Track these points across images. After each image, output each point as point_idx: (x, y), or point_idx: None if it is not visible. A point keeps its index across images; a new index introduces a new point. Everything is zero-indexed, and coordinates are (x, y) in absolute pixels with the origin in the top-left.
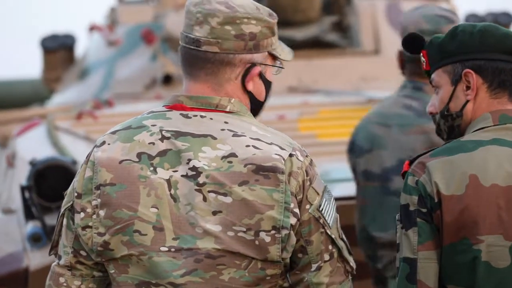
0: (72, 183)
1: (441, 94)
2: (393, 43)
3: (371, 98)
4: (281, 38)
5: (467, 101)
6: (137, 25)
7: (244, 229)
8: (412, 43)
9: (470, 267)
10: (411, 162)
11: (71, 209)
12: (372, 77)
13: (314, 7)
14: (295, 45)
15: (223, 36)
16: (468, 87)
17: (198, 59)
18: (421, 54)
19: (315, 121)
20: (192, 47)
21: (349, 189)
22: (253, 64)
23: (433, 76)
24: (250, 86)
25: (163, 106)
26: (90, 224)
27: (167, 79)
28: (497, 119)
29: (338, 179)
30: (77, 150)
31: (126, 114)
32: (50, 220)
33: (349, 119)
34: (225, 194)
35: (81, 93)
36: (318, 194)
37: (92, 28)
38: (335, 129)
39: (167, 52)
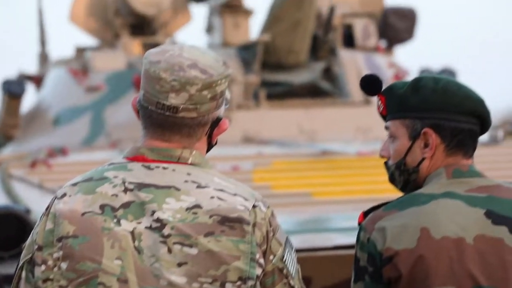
0: (31, 235)
1: (397, 145)
2: None
3: (325, 150)
4: (278, 83)
5: (424, 158)
6: (117, 71)
7: (210, 281)
8: (370, 84)
9: None
10: (365, 214)
11: (31, 262)
12: (364, 128)
13: (305, 50)
14: (292, 92)
15: (201, 101)
16: (426, 145)
17: (174, 124)
18: (378, 98)
19: (269, 172)
20: (168, 113)
21: (306, 241)
22: (219, 119)
23: (389, 124)
24: (215, 140)
25: (123, 157)
26: (51, 277)
27: None
28: (451, 173)
29: (293, 231)
30: (30, 198)
31: (80, 163)
32: (3, 269)
33: (302, 170)
34: (190, 246)
35: (60, 139)
36: (281, 244)
37: (27, 77)
38: (289, 181)
39: None
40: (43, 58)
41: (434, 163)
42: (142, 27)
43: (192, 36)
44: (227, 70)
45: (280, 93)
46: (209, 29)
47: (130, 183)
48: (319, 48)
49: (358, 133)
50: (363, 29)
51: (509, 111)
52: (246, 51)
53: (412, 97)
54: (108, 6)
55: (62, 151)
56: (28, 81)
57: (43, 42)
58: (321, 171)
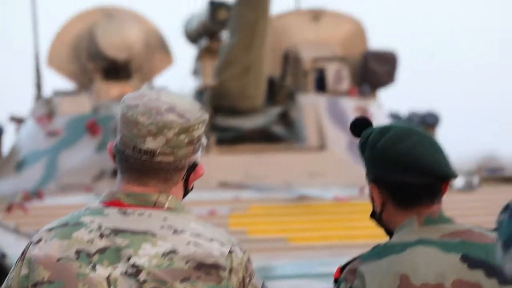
0: (6, 280)
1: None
2: (337, 139)
3: (302, 195)
4: (229, 128)
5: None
6: (78, 115)
7: None
8: (359, 128)
9: None
10: (342, 269)
11: None
12: (318, 173)
13: (260, 95)
14: (244, 137)
15: (178, 145)
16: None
17: (151, 169)
18: None
19: (246, 217)
20: (145, 157)
21: (282, 286)
22: (195, 164)
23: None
24: (191, 185)
25: (100, 202)
26: None
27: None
28: (422, 221)
29: (270, 277)
30: (6, 243)
31: (56, 207)
32: None
33: (279, 215)
34: None
35: (20, 183)
36: None
37: (13, 118)
38: (266, 226)
39: None
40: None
41: (389, 215)
42: (118, 71)
43: (179, 79)
44: (204, 115)
45: (231, 138)
46: (195, 72)
47: (106, 228)
48: (277, 93)
49: (310, 179)
50: (335, 73)
51: (487, 156)
52: (200, 96)
53: (363, 152)
54: (82, 51)
55: (38, 195)
56: (15, 123)
57: (38, 85)
58: (297, 216)
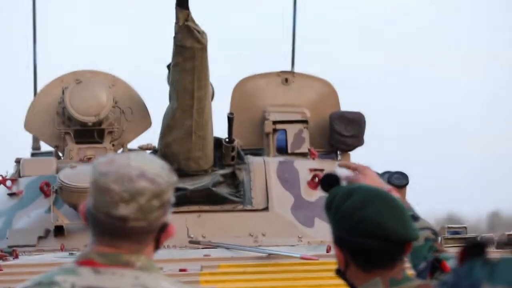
0: None
1: None
2: (282, 200)
3: (271, 253)
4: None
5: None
6: (39, 177)
7: None
8: (328, 184)
9: None
10: None
11: None
12: (261, 233)
13: (207, 157)
14: (187, 199)
15: (150, 210)
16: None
17: (124, 233)
18: None
19: (216, 275)
20: (117, 223)
21: None
22: (165, 224)
23: None
24: (162, 244)
25: (73, 262)
26: None
27: (59, 231)
28: (387, 283)
29: None
30: None
31: (31, 265)
32: None
33: (249, 274)
34: None
35: None
36: None
37: None
38: (236, 284)
39: (60, 205)
40: None
41: (353, 275)
42: (90, 134)
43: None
44: (173, 177)
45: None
46: None
47: (80, 287)
48: (225, 155)
49: (250, 239)
50: (295, 135)
51: (450, 216)
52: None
53: (328, 212)
54: (55, 115)
55: (13, 254)
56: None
57: (37, 148)
58: (266, 274)
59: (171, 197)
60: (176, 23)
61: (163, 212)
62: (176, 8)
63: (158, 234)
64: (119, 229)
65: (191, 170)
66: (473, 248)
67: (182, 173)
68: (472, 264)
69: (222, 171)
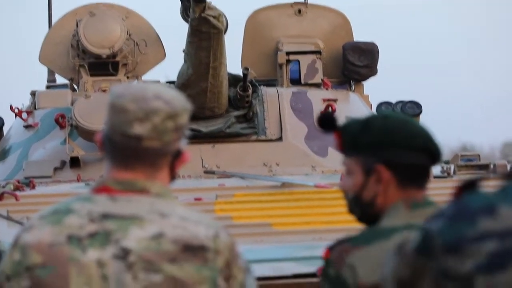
0: (0, 265)
1: (353, 180)
2: (296, 130)
3: (285, 182)
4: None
5: (377, 193)
6: (54, 109)
7: None
8: (326, 122)
9: None
10: (330, 249)
11: None
12: (275, 163)
13: (221, 106)
14: (202, 137)
15: (164, 131)
16: (379, 181)
17: (138, 153)
18: (334, 135)
19: (231, 204)
20: (132, 142)
21: (266, 270)
22: (180, 150)
23: (345, 160)
24: (177, 170)
25: (89, 190)
26: None
27: (74, 162)
28: (409, 206)
29: (254, 260)
30: None
31: (47, 195)
32: None
33: (263, 202)
34: (155, 273)
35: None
36: (242, 271)
37: (12, 109)
38: (250, 212)
39: (75, 136)
40: None
41: (388, 197)
42: (105, 67)
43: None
44: (188, 104)
45: (189, 139)
46: (184, 60)
47: (96, 213)
48: (239, 100)
49: (265, 169)
50: (308, 66)
51: (463, 146)
52: None
53: (363, 136)
54: (69, 48)
55: (30, 184)
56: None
57: (52, 80)
58: (281, 202)
59: (186, 123)
60: (192, 13)
61: (178, 137)
62: (192, 2)
63: (173, 160)
64: (134, 149)
65: (206, 116)
66: (468, 186)
67: (196, 118)
68: (474, 194)
69: (236, 113)
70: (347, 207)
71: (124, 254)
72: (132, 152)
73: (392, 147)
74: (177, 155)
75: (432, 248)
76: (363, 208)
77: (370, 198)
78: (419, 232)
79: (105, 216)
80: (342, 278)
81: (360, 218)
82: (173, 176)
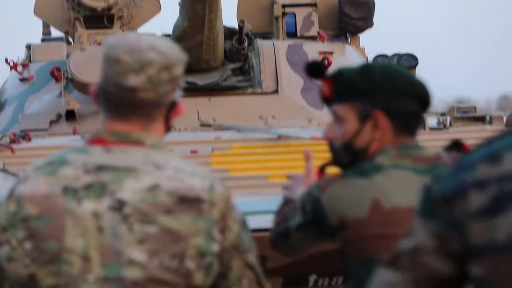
0: None
1: (345, 128)
2: (291, 83)
3: (282, 134)
4: (185, 82)
5: (373, 139)
6: (49, 62)
7: (169, 257)
8: (314, 69)
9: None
10: (321, 169)
11: None
12: (271, 116)
13: (217, 59)
14: (198, 89)
15: (159, 82)
16: (376, 127)
17: (133, 105)
18: (323, 82)
19: (227, 156)
20: (127, 94)
21: (261, 222)
22: (174, 102)
23: (336, 107)
24: (172, 122)
25: (84, 141)
26: (15, 256)
27: (70, 115)
28: (398, 148)
29: (250, 212)
30: None
31: (43, 148)
32: None
33: (260, 154)
34: (150, 224)
35: None
36: (237, 222)
37: (7, 62)
38: (246, 164)
39: (71, 90)
40: None
41: (382, 144)
42: (100, 19)
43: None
44: (183, 56)
45: (185, 91)
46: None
47: (91, 165)
48: (235, 53)
49: (261, 121)
50: (304, 18)
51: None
52: None
53: (361, 82)
54: (65, 1)
55: (26, 137)
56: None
57: (47, 33)
58: (277, 155)
59: (180, 75)
60: None
61: (173, 88)
62: None
63: (168, 112)
64: (129, 101)
65: (201, 69)
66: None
67: (192, 71)
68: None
69: (232, 66)
70: (333, 157)
71: (119, 206)
72: (127, 103)
73: (391, 94)
74: (172, 107)
75: (434, 205)
76: (355, 155)
77: (364, 144)
78: (421, 194)
79: (100, 168)
80: (321, 204)
81: (347, 167)
82: (167, 127)
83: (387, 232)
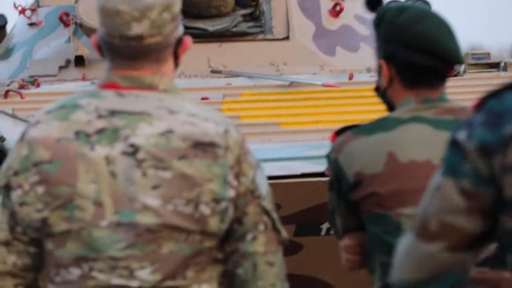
0: (7, 161)
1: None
2: (303, 29)
3: (293, 81)
4: (193, 28)
5: (386, 86)
6: (58, 7)
7: (184, 202)
8: (372, 3)
9: (394, 236)
10: (337, 133)
11: (7, 187)
12: (282, 62)
13: (228, 4)
14: (208, 36)
15: (162, 24)
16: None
17: (141, 52)
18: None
19: (238, 103)
20: (133, 43)
21: (274, 168)
22: (180, 38)
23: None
24: (181, 59)
25: (96, 86)
26: (27, 201)
27: (79, 61)
28: (420, 101)
29: (262, 159)
30: (4, 127)
31: (52, 93)
32: None
33: (271, 101)
34: (164, 169)
35: (2, 73)
36: (252, 167)
37: (15, 6)
38: (257, 111)
39: (80, 35)
40: None
41: (394, 92)
42: None
43: None
44: None
45: (195, 36)
46: None
47: (103, 109)
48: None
49: (272, 68)
50: None
51: (473, 46)
52: None
53: (377, 28)
54: None
55: (34, 82)
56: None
57: None
58: (288, 102)
59: (179, 8)
60: None
61: (176, 26)
62: None
63: (175, 49)
64: (136, 49)
65: (211, 14)
66: (493, 95)
67: (203, 17)
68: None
69: (242, 11)
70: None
71: (133, 151)
72: (135, 52)
73: (393, 43)
74: (179, 43)
75: (465, 158)
76: (381, 96)
77: (382, 88)
78: (447, 149)
79: (113, 112)
80: (339, 164)
81: (389, 109)
82: (177, 64)
83: (402, 188)
